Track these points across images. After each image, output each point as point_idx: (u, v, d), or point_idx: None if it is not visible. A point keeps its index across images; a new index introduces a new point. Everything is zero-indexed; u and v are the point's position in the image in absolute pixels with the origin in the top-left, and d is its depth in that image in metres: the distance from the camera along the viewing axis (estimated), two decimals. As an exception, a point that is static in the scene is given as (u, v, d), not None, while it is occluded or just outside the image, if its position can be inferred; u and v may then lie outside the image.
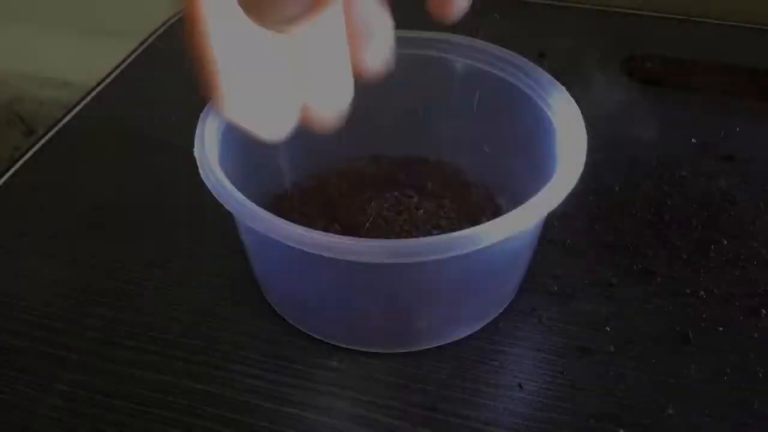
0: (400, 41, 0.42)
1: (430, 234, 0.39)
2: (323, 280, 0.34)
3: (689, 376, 0.35)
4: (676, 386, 0.35)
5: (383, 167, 0.45)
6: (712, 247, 0.41)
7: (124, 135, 0.51)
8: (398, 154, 0.46)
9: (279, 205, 0.43)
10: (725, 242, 0.42)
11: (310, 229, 0.31)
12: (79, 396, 0.35)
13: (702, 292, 0.39)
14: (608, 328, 0.37)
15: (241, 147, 0.39)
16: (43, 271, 0.41)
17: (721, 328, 0.37)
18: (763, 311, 0.38)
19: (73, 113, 0.53)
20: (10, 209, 0.45)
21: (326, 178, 0.44)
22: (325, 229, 0.39)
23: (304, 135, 0.43)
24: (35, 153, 0.50)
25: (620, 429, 0.33)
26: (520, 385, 0.35)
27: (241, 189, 0.34)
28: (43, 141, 0.51)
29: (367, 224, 0.40)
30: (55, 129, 0.52)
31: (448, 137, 0.44)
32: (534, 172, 0.39)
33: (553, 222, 0.43)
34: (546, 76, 0.38)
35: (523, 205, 0.32)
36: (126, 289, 0.40)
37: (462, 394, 0.35)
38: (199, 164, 0.34)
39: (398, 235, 0.39)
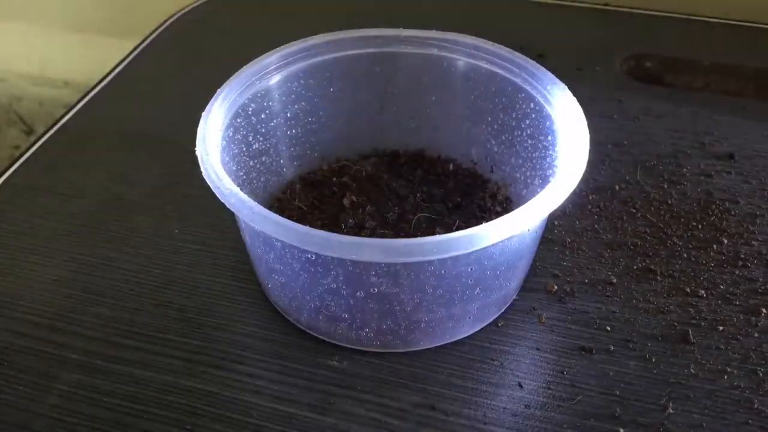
0: (403, 40, 0.42)
1: (433, 232, 0.39)
2: (324, 279, 0.34)
3: (689, 375, 0.35)
4: (677, 385, 0.35)
5: (386, 165, 0.45)
6: (713, 246, 0.41)
7: (123, 134, 0.51)
8: (401, 151, 0.46)
9: (280, 203, 0.43)
10: (725, 241, 0.42)
11: (311, 228, 0.31)
12: (78, 396, 0.35)
13: (702, 291, 0.39)
14: (608, 328, 0.37)
15: (243, 145, 0.40)
16: (43, 271, 0.41)
17: (721, 327, 0.37)
18: (764, 310, 0.38)
19: (72, 112, 0.53)
20: (10, 208, 0.45)
21: (328, 176, 0.44)
22: (327, 228, 0.39)
23: (306, 132, 0.43)
24: (35, 152, 0.50)
25: (620, 428, 0.33)
26: (520, 385, 0.35)
27: (241, 187, 0.34)
28: (42, 140, 0.51)
29: (370, 222, 0.40)
30: (55, 128, 0.52)
31: (451, 135, 0.44)
32: (537, 170, 0.39)
33: (553, 221, 0.43)
34: (548, 75, 0.38)
35: (525, 205, 0.32)
36: (126, 288, 0.40)
37: (462, 394, 0.35)
38: (200, 163, 0.34)
39: (399, 234, 0.39)
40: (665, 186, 0.45)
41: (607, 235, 0.42)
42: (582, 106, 0.37)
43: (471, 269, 0.33)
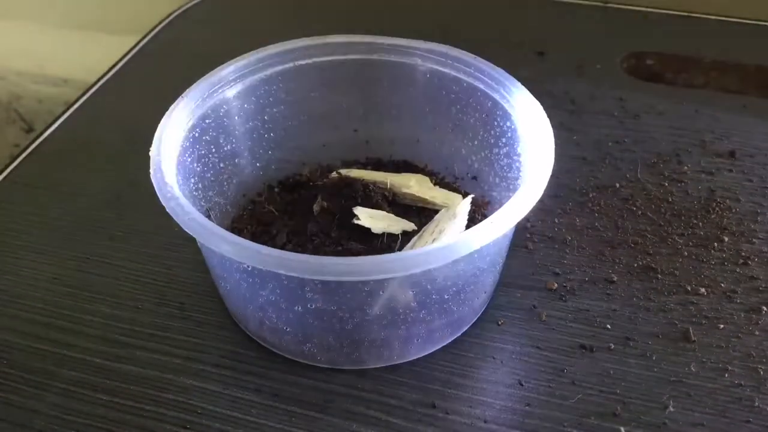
0: (387, 49, 0.41)
1: (407, 240, 0.38)
2: (262, 290, 0.33)
3: (690, 374, 0.35)
4: (678, 383, 0.35)
5: (355, 175, 0.42)
6: (714, 244, 0.41)
7: (123, 132, 0.51)
8: (385, 161, 0.44)
9: (254, 206, 0.42)
10: (726, 239, 0.42)
11: (243, 239, 0.30)
12: (78, 394, 0.35)
13: (703, 290, 0.39)
14: (609, 326, 0.37)
15: (212, 146, 0.39)
16: (43, 269, 0.41)
17: (722, 326, 0.37)
18: (764, 308, 0.38)
19: (72, 110, 0.53)
20: (10, 206, 0.45)
21: (304, 182, 0.43)
22: (291, 234, 0.38)
23: (285, 137, 0.43)
24: (34, 150, 0.50)
25: (621, 427, 0.33)
26: (520, 383, 0.35)
27: (208, 189, 0.33)
28: (42, 138, 0.51)
29: (336, 232, 0.39)
30: (54, 126, 0.52)
31: (433, 148, 0.43)
32: (511, 191, 0.38)
33: (554, 219, 0.43)
34: (526, 94, 0.37)
35: (492, 216, 0.31)
36: (126, 286, 0.40)
37: (462, 392, 0.35)
38: (151, 164, 0.33)
39: (367, 246, 0.38)
40: (666, 184, 0.45)
41: (607, 233, 0.42)
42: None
43: (412, 292, 0.33)
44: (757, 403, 0.34)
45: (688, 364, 0.35)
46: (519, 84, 0.38)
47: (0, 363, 0.36)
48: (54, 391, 0.35)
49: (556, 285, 0.39)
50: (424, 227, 0.38)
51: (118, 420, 0.34)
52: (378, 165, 0.44)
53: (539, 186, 0.33)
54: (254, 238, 0.38)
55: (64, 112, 0.53)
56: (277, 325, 0.35)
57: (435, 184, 0.43)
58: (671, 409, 0.34)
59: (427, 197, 0.40)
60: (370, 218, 0.38)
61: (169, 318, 0.38)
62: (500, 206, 0.31)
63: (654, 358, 0.36)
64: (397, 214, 0.40)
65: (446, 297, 0.34)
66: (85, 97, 0.54)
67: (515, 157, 0.38)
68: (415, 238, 0.37)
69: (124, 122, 0.52)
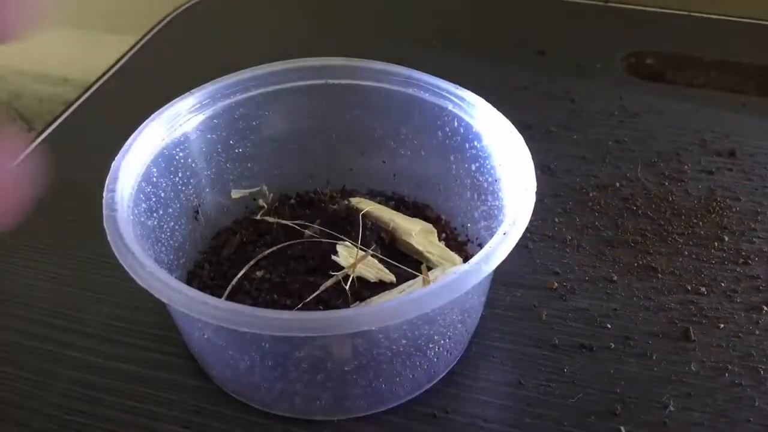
0: (408, 80, 0.40)
1: (384, 290, 0.36)
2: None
3: (690, 373, 0.35)
4: (678, 383, 0.35)
5: (364, 207, 0.40)
6: (714, 243, 0.41)
7: (123, 131, 0.51)
8: (393, 195, 0.43)
9: (249, 222, 0.41)
10: (727, 238, 0.42)
11: (196, 291, 0.30)
12: (78, 393, 0.35)
13: (703, 289, 0.39)
14: (609, 325, 0.37)
15: (172, 176, 0.39)
16: (43, 268, 0.41)
17: (722, 325, 0.37)
18: (765, 308, 0.38)
19: (72, 109, 0.53)
20: (9, 206, 0.45)
21: (309, 204, 0.42)
22: (274, 265, 0.37)
23: (298, 156, 0.42)
24: (34, 149, 0.50)
25: (621, 426, 0.33)
26: (520, 382, 0.35)
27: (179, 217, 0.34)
28: (42, 137, 0.51)
29: (314, 266, 0.37)
30: (54, 125, 0.52)
31: (442, 191, 0.41)
32: (491, 235, 0.34)
33: (554, 218, 0.43)
34: (492, 111, 0.36)
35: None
36: (125, 286, 0.40)
37: (462, 391, 0.35)
38: (106, 187, 0.34)
39: (339, 284, 0.35)
40: (666, 183, 0.45)
41: (607, 232, 0.42)
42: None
43: (361, 349, 0.31)
44: (757, 403, 0.34)
45: (688, 364, 0.35)
46: (501, 115, 0.36)
47: (0, 363, 0.36)
48: (54, 390, 0.35)
49: (556, 284, 0.39)
50: (405, 283, 0.35)
51: (118, 420, 0.34)
52: (399, 202, 0.42)
53: (526, 208, 0.32)
54: (239, 246, 0.39)
55: (64, 112, 0.53)
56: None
57: (444, 239, 0.40)
58: (671, 408, 0.34)
59: (423, 251, 0.38)
60: (349, 258, 0.36)
61: (169, 318, 0.38)
62: (476, 219, 0.29)
63: (654, 357, 0.36)
64: (394, 259, 0.37)
65: (415, 350, 0.32)
66: (84, 96, 0.54)
67: (485, 174, 0.37)
68: (386, 292, 0.35)
69: (124, 121, 0.52)
